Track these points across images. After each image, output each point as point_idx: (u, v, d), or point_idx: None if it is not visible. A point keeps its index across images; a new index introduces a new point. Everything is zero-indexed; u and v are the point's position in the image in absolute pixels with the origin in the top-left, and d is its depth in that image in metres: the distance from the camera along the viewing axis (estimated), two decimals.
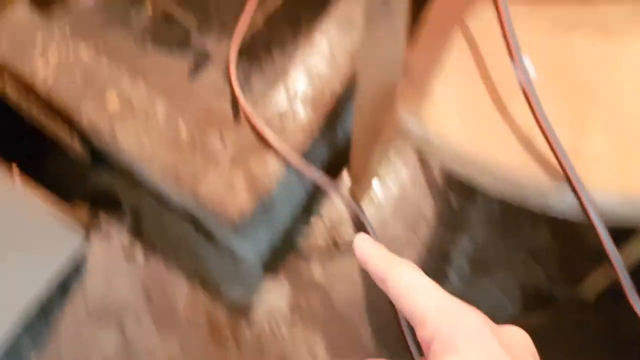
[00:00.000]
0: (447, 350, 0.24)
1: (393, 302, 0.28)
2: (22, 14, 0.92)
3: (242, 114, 0.86)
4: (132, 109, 0.84)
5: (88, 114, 0.84)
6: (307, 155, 0.83)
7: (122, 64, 0.94)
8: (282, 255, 1.02)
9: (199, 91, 0.96)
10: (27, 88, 0.87)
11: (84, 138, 0.89)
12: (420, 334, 0.26)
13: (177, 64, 0.99)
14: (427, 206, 1.04)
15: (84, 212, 1.02)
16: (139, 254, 1.01)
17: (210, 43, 1.01)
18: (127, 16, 1.02)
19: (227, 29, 1.02)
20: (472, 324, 0.25)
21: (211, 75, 0.98)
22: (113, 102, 0.84)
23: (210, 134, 0.83)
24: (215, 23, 1.03)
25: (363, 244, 0.32)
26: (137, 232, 1.03)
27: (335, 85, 0.87)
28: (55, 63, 0.87)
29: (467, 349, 0.24)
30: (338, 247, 1.02)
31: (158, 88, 0.90)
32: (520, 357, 0.25)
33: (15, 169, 0.83)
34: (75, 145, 0.92)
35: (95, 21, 1.00)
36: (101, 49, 0.94)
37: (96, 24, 0.99)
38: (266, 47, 1.01)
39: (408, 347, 0.57)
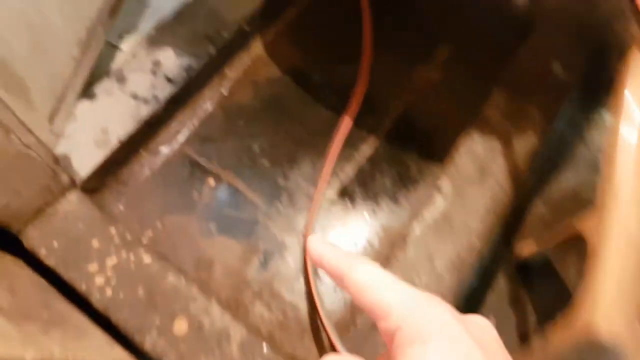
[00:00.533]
0: (414, 340, 0.23)
1: (353, 299, 0.28)
2: (72, 206, 0.81)
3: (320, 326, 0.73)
4: (203, 333, 0.72)
5: (152, 338, 0.72)
6: None
7: (185, 255, 0.82)
8: None
9: (272, 283, 0.84)
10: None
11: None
12: (384, 325, 0.26)
13: (245, 249, 0.87)
14: None
15: None
16: None
17: (280, 225, 0.89)
18: (188, 190, 0.91)
19: (298, 210, 0.91)
20: (439, 313, 0.25)
21: (284, 265, 0.86)
22: (181, 325, 0.72)
23: None
24: (286, 200, 0.92)
25: (316, 244, 0.31)
26: None
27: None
28: (113, 273, 0.76)
29: (434, 338, 0.23)
30: None
31: (224, 286, 0.78)
32: (487, 346, 0.24)
33: None
34: None
35: (152, 200, 0.89)
36: (161, 243, 0.83)
37: (154, 203, 0.88)
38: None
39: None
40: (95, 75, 1.07)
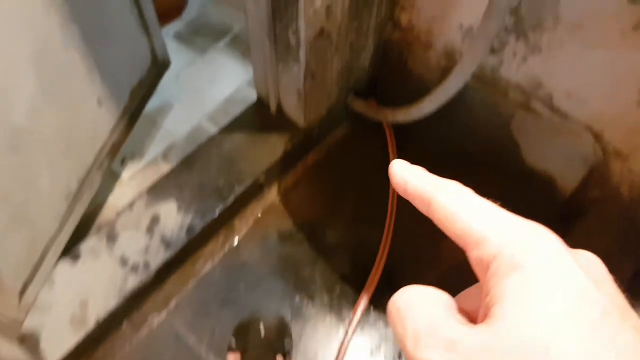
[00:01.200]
0: (514, 267, 0.21)
1: (441, 227, 0.25)
2: None
3: None
4: None
5: None
6: None
7: None
8: None
9: None
10: None
11: None
12: (477, 254, 0.23)
13: None
14: None
15: None
16: None
17: None
18: None
19: None
20: (544, 240, 0.22)
21: None
22: None
23: None
24: None
25: (401, 168, 0.28)
26: None
27: None
28: None
29: (538, 265, 0.21)
30: None
31: None
32: (599, 280, 0.22)
33: None
34: None
35: None
36: None
37: None
38: None
39: None
40: (85, 224, 0.96)
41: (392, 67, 1.05)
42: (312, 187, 1.09)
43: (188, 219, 0.93)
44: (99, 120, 0.92)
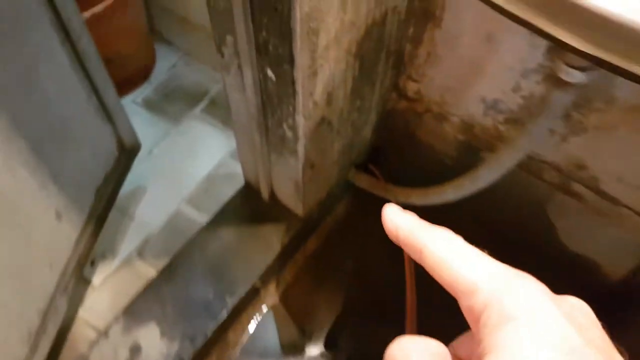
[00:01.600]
0: (503, 320, 0.23)
1: (432, 274, 0.26)
2: None
3: None
4: None
5: None
6: None
7: None
8: None
9: None
10: None
11: None
12: (468, 303, 0.24)
13: None
14: None
15: None
16: None
17: None
18: None
19: None
20: (531, 291, 0.24)
21: None
22: None
23: None
24: None
25: (393, 213, 0.30)
26: None
27: None
28: None
29: (526, 317, 0.22)
30: None
31: None
32: (583, 326, 0.23)
33: None
34: None
35: None
36: None
37: None
38: None
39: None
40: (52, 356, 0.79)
41: (398, 137, 0.92)
42: (314, 280, 0.94)
43: (174, 347, 0.77)
44: (59, 236, 0.76)
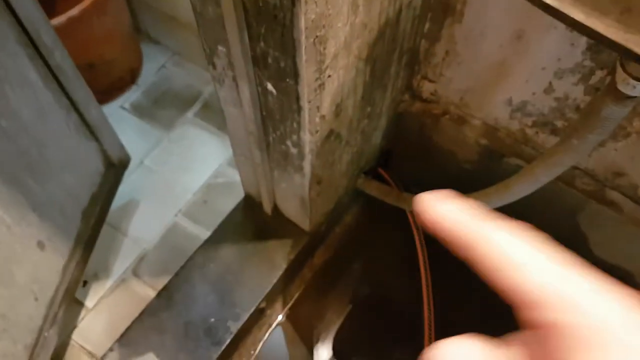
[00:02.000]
0: (585, 347, 0.18)
1: (483, 276, 0.21)
2: None
3: None
4: None
5: None
6: None
7: None
8: None
9: None
10: None
11: None
12: (530, 316, 0.20)
13: None
14: None
15: None
16: None
17: None
18: None
19: None
20: (618, 311, 0.19)
21: None
22: None
23: None
24: None
25: (432, 202, 0.23)
26: None
27: None
28: None
29: (617, 345, 0.18)
30: None
31: None
32: None
33: None
34: None
35: None
36: None
37: None
38: None
39: None
40: None
41: (411, 141, 0.84)
42: (323, 296, 0.88)
43: None
44: (44, 266, 0.69)
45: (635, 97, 0.41)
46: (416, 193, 0.84)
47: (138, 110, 1.12)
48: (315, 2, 0.42)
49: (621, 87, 0.39)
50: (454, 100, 0.73)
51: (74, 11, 0.85)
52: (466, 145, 0.77)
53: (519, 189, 0.58)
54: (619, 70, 0.38)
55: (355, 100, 0.63)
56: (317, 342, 0.86)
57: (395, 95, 0.76)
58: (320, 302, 0.88)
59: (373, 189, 0.91)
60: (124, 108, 1.12)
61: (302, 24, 0.41)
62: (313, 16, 0.42)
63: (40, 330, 0.72)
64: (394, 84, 0.72)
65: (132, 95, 1.14)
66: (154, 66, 1.18)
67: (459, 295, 0.85)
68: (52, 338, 0.75)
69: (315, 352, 0.85)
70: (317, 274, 0.90)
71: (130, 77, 1.14)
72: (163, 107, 1.12)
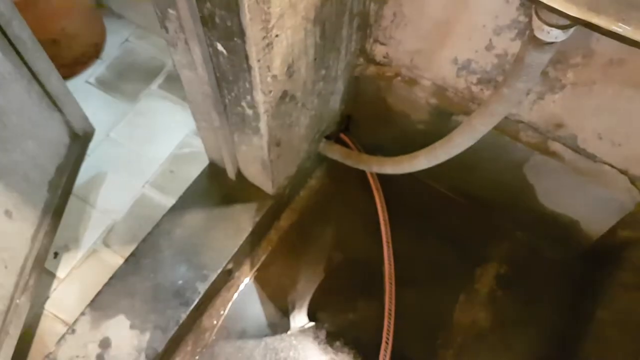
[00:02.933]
0: None
1: None
2: None
3: None
4: None
5: None
6: None
7: None
8: None
9: None
10: None
11: None
12: None
13: None
14: None
15: None
16: None
17: None
18: None
19: None
20: None
21: None
22: None
23: None
24: None
25: None
26: None
27: None
28: None
29: None
30: None
31: None
32: None
33: None
34: None
35: None
36: None
37: None
38: None
39: None
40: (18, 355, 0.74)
41: (369, 105, 0.87)
42: (290, 257, 0.91)
43: (145, 338, 0.73)
44: (12, 234, 0.71)
45: (553, 42, 0.44)
46: (376, 154, 0.87)
47: (103, 83, 1.12)
48: None
49: (538, 34, 0.43)
50: (405, 62, 0.76)
51: None
52: (418, 106, 0.80)
53: (461, 141, 0.62)
54: (535, 18, 0.42)
55: (307, 62, 0.65)
56: (287, 299, 0.89)
57: (350, 58, 0.79)
58: (289, 263, 0.92)
59: (334, 152, 0.94)
60: (88, 82, 1.12)
61: None
62: None
63: (12, 298, 0.74)
64: (347, 47, 0.75)
65: (96, 69, 1.14)
66: (118, 40, 1.18)
67: (416, 248, 0.90)
68: (24, 305, 0.77)
69: (292, 319, 0.88)
70: (284, 236, 0.93)
71: (94, 52, 1.14)
72: (127, 80, 1.12)
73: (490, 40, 0.63)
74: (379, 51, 0.77)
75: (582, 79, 0.60)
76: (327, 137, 0.93)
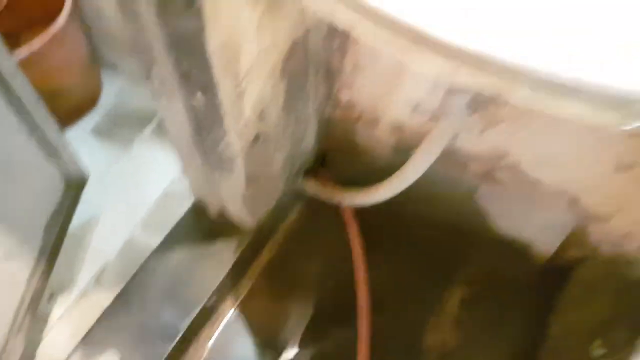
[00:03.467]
0: None
1: None
2: None
3: None
4: None
5: None
6: None
7: None
8: None
9: None
10: None
11: None
12: None
13: None
14: None
15: None
16: None
17: None
18: None
19: None
20: None
21: None
22: None
23: None
24: None
25: None
26: None
27: None
28: None
29: None
30: None
31: None
32: None
33: None
34: None
35: None
36: None
37: None
38: None
39: None
40: None
41: (340, 142, 0.96)
42: (272, 290, 0.97)
43: None
44: (8, 277, 0.77)
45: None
46: (350, 189, 0.96)
47: (99, 132, 1.21)
48: (222, 28, 0.53)
49: None
50: (366, 106, 0.85)
51: (35, 45, 0.94)
52: (381, 144, 0.89)
53: (413, 171, 0.70)
54: None
55: (277, 108, 0.74)
56: (275, 340, 0.94)
57: (319, 102, 0.88)
58: (270, 296, 0.98)
59: (311, 187, 1.02)
60: (85, 131, 1.20)
61: (211, 47, 0.53)
62: (222, 39, 0.54)
63: (7, 340, 0.79)
64: (315, 93, 0.84)
65: (93, 118, 1.23)
66: (114, 89, 1.28)
67: (388, 276, 0.96)
68: (18, 347, 0.82)
69: (274, 350, 0.93)
70: (265, 269, 1.00)
71: (90, 102, 1.23)
72: (122, 127, 1.21)
73: (434, 82, 0.73)
74: (343, 96, 0.87)
75: (515, 113, 0.69)
76: (306, 172, 1.01)
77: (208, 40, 0.52)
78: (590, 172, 0.71)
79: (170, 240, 0.92)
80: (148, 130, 1.22)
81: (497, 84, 0.33)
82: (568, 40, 0.31)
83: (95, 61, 1.29)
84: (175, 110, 0.67)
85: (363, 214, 1.01)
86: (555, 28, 0.32)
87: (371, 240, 0.99)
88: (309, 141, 0.94)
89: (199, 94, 0.62)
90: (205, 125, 0.67)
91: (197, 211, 0.94)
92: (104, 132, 1.23)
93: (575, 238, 0.80)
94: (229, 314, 0.93)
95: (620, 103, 0.31)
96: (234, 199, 0.83)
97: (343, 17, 0.36)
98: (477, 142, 0.77)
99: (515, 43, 0.31)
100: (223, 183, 0.81)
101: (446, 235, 0.94)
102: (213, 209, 0.89)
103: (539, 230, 0.83)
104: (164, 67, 0.59)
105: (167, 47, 0.56)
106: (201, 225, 0.93)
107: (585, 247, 0.82)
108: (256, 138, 0.72)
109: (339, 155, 1.01)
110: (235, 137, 0.67)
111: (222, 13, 0.52)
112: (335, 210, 1.03)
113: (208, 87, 0.59)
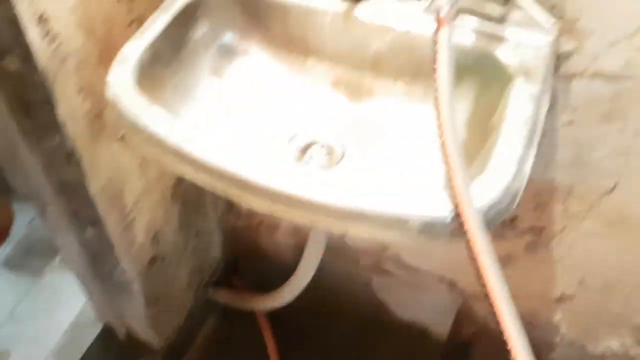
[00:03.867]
0: None
1: None
2: None
3: None
4: None
5: None
6: None
7: None
8: None
9: None
10: None
11: None
12: None
13: None
14: None
15: None
16: None
17: None
18: None
19: None
20: None
21: None
22: None
23: None
24: None
25: None
26: None
27: None
28: None
29: None
30: None
31: None
32: None
33: None
34: None
35: None
36: None
37: None
38: None
39: None
40: None
41: (248, 249, 1.02)
42: None
43: None
44: None
45: None
46: (263, 294, 1.01)
47: (10, 263, 1.20)
48: (101, 173, 0.60)
49: None
50: (265, 214, 0.93)
51: None
52: (282, 246, 0.96)
53: (306, 270, 0.77)
54: None
55: (173, 228, 0.80)
56: None
57: (221, 214, 0.94)
58: None
59: (224, 296, 1.05)
60: None
61: (93, 189, 0.59)
62: (103, 182, 0.60)
63: None
64: (215, 208, 0.91)
65: (4, 250, 1.22)
66: (25, 220, 1.28)
67: None
68: None
69: None
70: None
71: (2, 235, 1.23)
72: (33, 257, 1.21)
73: None
74: (243, 205, 0.94)
75: None
76: (217, 282, 1.04)
77: (89, 185, 0.58)
78: (458, 257, 0.80)
79: None
80: (58, 258, 1.23)
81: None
82: None
83: (7, 194, 1.31)
84: (70, 244, 0.71)
85: (278, 316, 1.04)
86: None
87: (287, 340, 1.02)
88: (216, 251, 0.99)
89: (89, 228, 0.67)
90: (99, 255, 0.71)
91: (107, 335, 0.94)
92: (15, 264, 1.21)
93: (464, 316, 0.88)
94: None
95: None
96: (138, 319, 0.85)
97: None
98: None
99: None
100: (124, 305, 0.83)
101: (354, 325, 0.99)
102: (120, 332, 0.90)
103: (431, 313, 0.90)
104: (56, 206, 0.64)
105: (56, 192, 0.62)
106: (109, 349, 0.92)
107: (476, 323, 0.90)
108: (152, 260, 0.76)
109: (249, 261, 1.06)
110: (129, 263, 0.71)
111: (100, 162, 0.59)
112: (250, 317, 1.05)
113: (96, 222, 0.64)
